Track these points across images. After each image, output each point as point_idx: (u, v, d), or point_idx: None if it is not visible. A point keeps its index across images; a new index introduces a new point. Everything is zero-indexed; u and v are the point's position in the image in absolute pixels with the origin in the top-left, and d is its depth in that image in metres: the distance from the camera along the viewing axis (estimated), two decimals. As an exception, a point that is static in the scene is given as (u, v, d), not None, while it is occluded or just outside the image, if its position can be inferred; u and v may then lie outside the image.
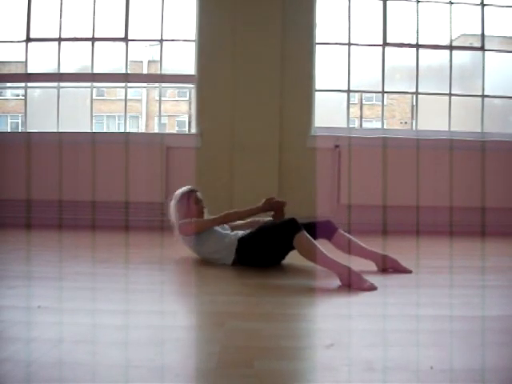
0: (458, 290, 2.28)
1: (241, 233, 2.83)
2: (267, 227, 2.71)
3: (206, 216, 2.94)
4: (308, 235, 2.49)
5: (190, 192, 2.98)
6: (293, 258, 2.73)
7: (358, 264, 2.52)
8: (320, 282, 2.48)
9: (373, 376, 1.29)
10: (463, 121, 5.18)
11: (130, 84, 5.09)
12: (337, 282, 2.34)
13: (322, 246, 2.53)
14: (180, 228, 2.87)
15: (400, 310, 1.95)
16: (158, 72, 4.95)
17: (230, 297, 2.13)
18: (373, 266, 2.68)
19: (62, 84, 4.87)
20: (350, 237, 2.78)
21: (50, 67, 4.91)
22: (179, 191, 3.01)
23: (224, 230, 2.90)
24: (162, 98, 5.45)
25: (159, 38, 4.86)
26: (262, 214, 2.91)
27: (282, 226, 2.57)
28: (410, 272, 2.65)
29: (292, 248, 2.59)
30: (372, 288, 2.24)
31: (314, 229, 2.70)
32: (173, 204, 2.98)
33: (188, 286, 2.42)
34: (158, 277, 2.56)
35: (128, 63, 4.87)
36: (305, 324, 1.80)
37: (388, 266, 2.68)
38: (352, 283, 2.26)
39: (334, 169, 4.66)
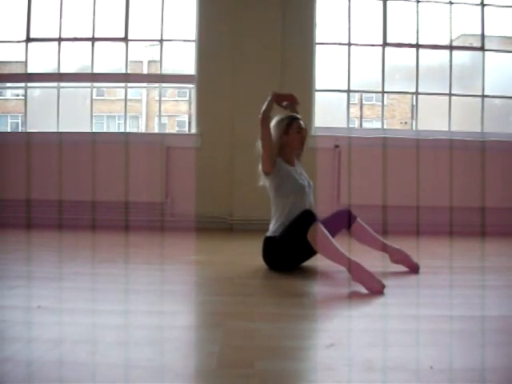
0: (458, 290, 2.28)
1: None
2: (287, 225, 2.62)
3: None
4: (323, 228, 2.42)
5: (293, 119, 2.75)
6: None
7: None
8: (320, 282, 2.49)
9: (373, 376, 1.30)
10: (463, 121, 5.18)
11: (129, 84, 5.09)
12: (337, 282, 2.34)
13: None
14: (263, 162, 2.70)
15: (400, 310, 1.95)
16: (158, 72, 4.95)
17: (230, 297, 2.13)
18: (377, 266, 2.68)
19: (62, 84, 4.87)
20: (368, 227, 2.78)
21: (50, 67, 4.91)
22: (276, 117, 2.79)
23: (309, 188, 2.79)
24: (162, 98, 5.45)
25: (159, 38, 4.86)
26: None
27: (298, 218, 2.52)
28: (417, 267, 2.67)
29: (313, 251, 2.54)
30: (381, 290, 2.18)
31: (333, 224, 2.68)
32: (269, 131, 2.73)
33: (188, 286, 2.42)
34: (158, 277, 2.56)
35: (128, 63, 4.87)
36: (305, 324, 1.80)
37: (399, 259, 2.70)
38: (363, 281, 2.22)
39: (333, 169, 4.66)
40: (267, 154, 2.69)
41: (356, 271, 2.26)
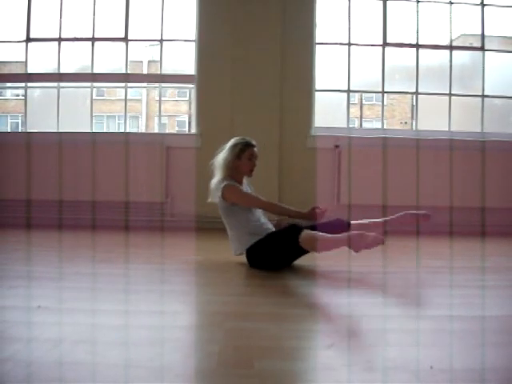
0: (458, 290, 2.28)
1: (270, 225, 2.79)
2: (272, 236, 2.67)
3: (247, 184, 2.86)
4: (309, 230, 2.47)
5: (247, 145, 2.80)
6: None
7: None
8: (320, 282, 2.48)
9: (373, 376, 1.29)
10: (463, 121, 5.18)
11: (129, 84, 5.09)
12: (336, 282, 2.34)
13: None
14: (224, 189, 2.70)
15: (400, 310, 1.95)
16: (158, 72, 4.96)
17: (230, 297, 2.13)
18: (377, 266, 2.69)
19: (62, 84, 4.87)
20: (362, 221, 2.82)
21: (50, 67, 4.91)
22: (233, 140, 2.83)
23: (264, 215, 2.83)
24: (162, 98, 5.45)
25: (159, 38, 4.86)
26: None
27: (284, 234, 2.56)
28: (427, 215, 2.73)
29: (303, 252, 2.55)
30: (377, 240, 2.24)
31: (327, 228, 2.67)
32: (223, 153, 2.79)
33: (188, 286, 2.42)
34: (158, 277, 2.56)
35: (128, 63, 4.87)
36: (305, 324, 1.80)
37: (405, 223, 2.78)
38: (361, 245, 2.27)
39: (333, 169, 4.66)
40: (243, 204, 2.75)
41: (353, 242, 2.29)
